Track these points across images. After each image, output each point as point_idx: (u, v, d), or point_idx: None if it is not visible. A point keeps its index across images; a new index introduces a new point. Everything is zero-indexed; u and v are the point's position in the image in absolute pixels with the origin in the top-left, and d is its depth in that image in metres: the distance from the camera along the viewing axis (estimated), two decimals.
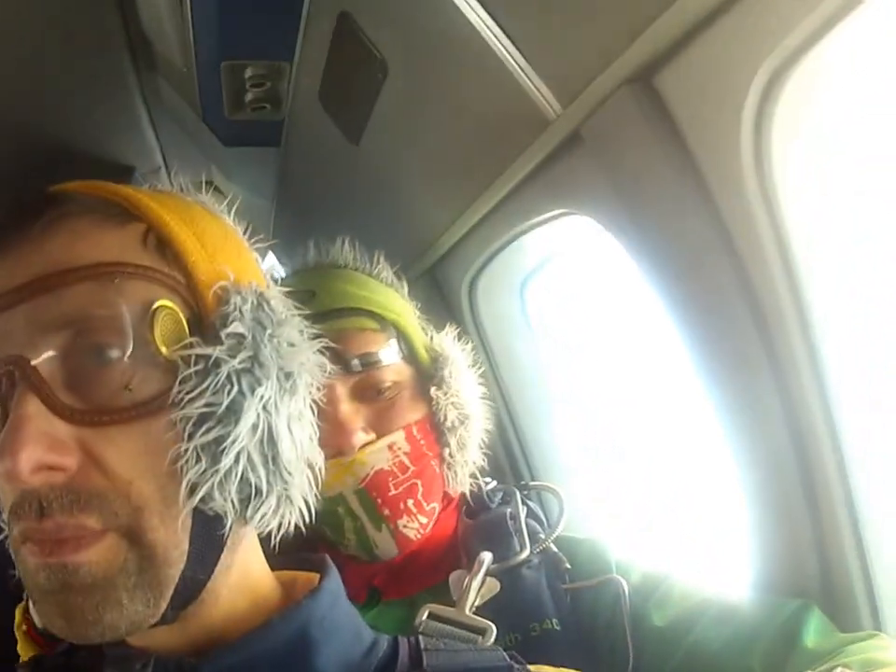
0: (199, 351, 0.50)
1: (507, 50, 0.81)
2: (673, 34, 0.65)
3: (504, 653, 0.60)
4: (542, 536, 0.91)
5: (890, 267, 0.70)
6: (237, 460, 0.50)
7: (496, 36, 0.81)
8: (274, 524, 0.55)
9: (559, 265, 1.25)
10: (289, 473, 0.54)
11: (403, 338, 0.92)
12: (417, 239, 1.25)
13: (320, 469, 0.59)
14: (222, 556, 0.54)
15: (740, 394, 0.78)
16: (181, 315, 0.51)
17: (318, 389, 0.60)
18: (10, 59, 1.02)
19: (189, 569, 0.51)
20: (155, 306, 0.50)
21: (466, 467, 0.93)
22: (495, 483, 1.02)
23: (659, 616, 0.80)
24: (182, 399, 0.49)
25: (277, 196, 1.64)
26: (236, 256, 0.58)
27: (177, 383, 0.49)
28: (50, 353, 0.48)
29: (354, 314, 0.90)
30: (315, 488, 0.58)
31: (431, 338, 0.96)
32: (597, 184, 0.86)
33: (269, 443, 0.52)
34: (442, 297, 1.30)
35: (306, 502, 0.57)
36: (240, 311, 0.53)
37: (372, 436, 0.87)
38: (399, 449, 0.87)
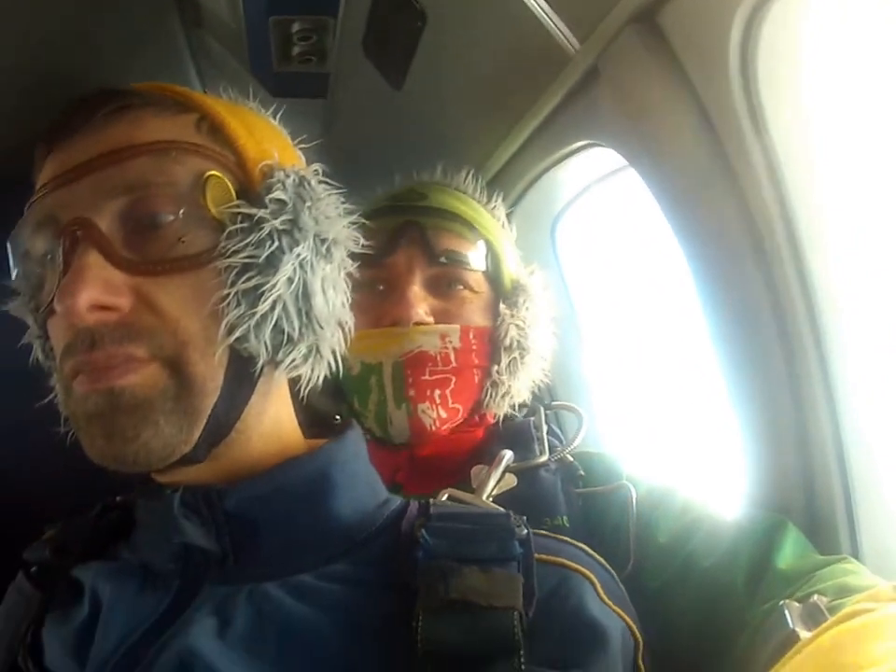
0: (244, 210, 0.57)
1: None
2: None
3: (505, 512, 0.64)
4: (560, 448, 0.95)
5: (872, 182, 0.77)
6: (273, 308, 0.57)
7: None
8: (304, 370, 0.61)
9: (587, 205, 1.32)
10: (320, 327, 0.61)
11: (492, 256, 0.99)
12: None
13: (350, 330, 0.65)
14: (253, 398, 0.60)
15: (737, 315, 0.83)
16: (229, 185, 0.58)
17: (353, 263, 0.66)
18: (58, 17, 1.09)
19: (221, 404, 0.57)
20: (206, 175, 0.57)
21: (509, 394, 0.97)
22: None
23: (662, 527, 0.83)
24: (227, 251, 0.56)
25: (324, 145, 1.74)
26: (281, 146, 0.65)
27: (224, 237, 0.57)
28: (112, 215, 0.56)
29: (453, 218, 0.98)
30: (343, 347, 0.65)
31: (520, 273, 1.02)
32: (614, 115, 0.93)
33: (303, 297, 0.59)
34: None
35: (335, 357, 0.64)
36: (282, 183, 0.60)
37: (431, 320, 0.93)
38: (450, 342, 0.92)
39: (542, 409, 1.02)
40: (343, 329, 0.65)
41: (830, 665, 0.47)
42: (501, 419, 1.00)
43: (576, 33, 0.89)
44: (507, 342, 0.96)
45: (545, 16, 0.90)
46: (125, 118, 0.58)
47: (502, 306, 0.97)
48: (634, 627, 0.59)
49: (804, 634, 0.56)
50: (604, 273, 1.42)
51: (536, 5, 0.90)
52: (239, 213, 0.58)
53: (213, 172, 0.58)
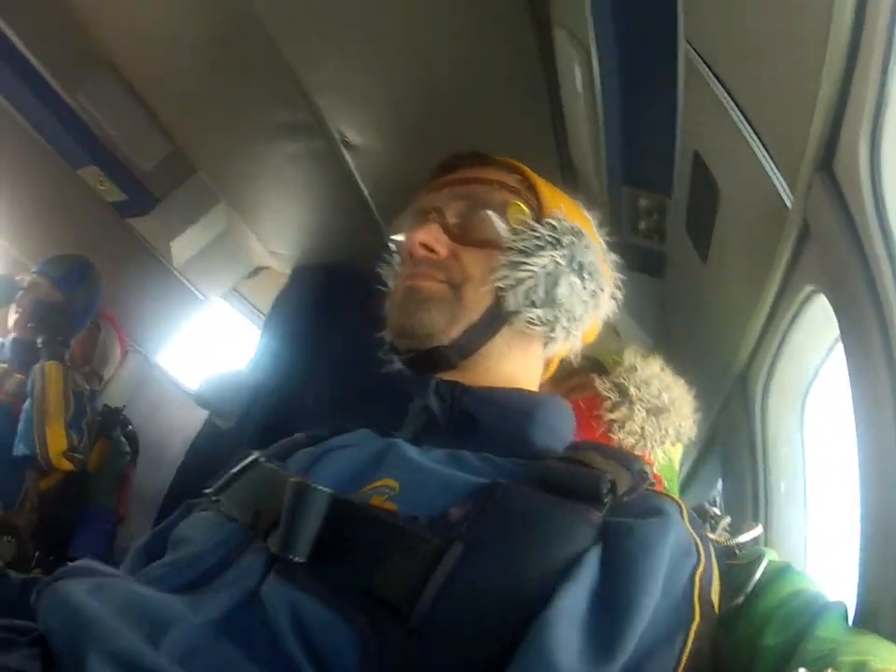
0: (531, 224, 0.95)
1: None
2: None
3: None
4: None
5: None
6: (525, 280, 0.91)
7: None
8: (539, 331, 0.93)
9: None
10: (557, 309, 0.93)
11: None
12: (726, 348, 1.41)
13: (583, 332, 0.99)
14: (498, 337, 0.93)
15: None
16: (526, 212, 0.96)
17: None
18: (460, 92, 1.51)
19: (475, 327, 0.92)
20: (512, 202, 0.97)
21: None
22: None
23: (768, 591, 0.84)
24: (511, 243, 0.93)
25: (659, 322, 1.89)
26: (576, 215, 1.01)
27: (512, 235, 0.94)
28: (453, 210, 0.97)
29: None
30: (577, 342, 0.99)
31: None
32: (825, 262, 1.02)
33: (550, 284, 0.92)
34: (746, 406, 1.42)
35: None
36: (560, 221, 0.96)
37: None
38: None
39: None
40: (578, 324, 0.97)
41: None
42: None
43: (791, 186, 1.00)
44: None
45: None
46: (481, 165, 1.02)
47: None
48: (701, 548, 0.75)
49: None
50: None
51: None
52: (525, 225, 0.95)
53: (517, 202, 0.97)
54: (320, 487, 0.79)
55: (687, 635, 0.69)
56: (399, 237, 1.05)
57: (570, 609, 0.67)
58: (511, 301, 0.91)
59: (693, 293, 1.58)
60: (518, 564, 0.72)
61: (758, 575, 0.83)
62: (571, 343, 1.00)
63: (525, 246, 0.93)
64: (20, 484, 2.41)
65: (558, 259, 0.93)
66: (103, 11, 2.27)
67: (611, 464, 0.81)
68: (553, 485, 0.79)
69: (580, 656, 0.64)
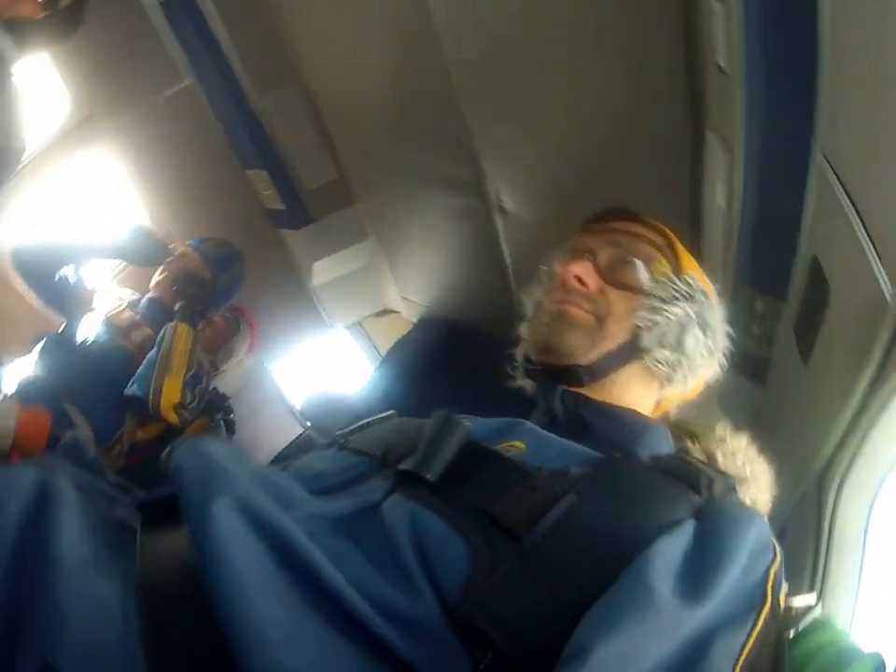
0: (671, 277, 1.11)
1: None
2: None
3: None
4: None
5: None
6: (659, 324, 1.07)
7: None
8: (662, 372, 1.10)
9: None
10: (683, 355, 1.10)
11: None
12: (809, 447, 1.41)
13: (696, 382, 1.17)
14: (627, 368, 1.08)
15: None
16: (667, 267, 1.12)
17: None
18: (604, 157, 1.67)
19: (610, 356, 1.06)
20: (656, 256, 1.13)
21: None
22: None
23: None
24: (651, 291, 1.09)
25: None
26: (704, 280, 1.18)
27: (653, 284, 1.09)
28: (605, 253, 1.12)
29: None
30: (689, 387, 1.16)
31: None
32: None
33: (678, 332, 1.09)
34: (818, 508, 1.41)
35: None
36: (694, 280, 1.13)
37: None
38: None
39: None
40: (694, 375, 1.14)
41: None
42: None
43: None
44: None
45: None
46: (631, 220, 1.19)
47: None
48: (777, 550, 0.80)
49: None
50: None
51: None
52: (666, 278, 1.11)
53: (660, 257, 1.13)
54: (463, 420, 0.90)
55: (757, 618, 0.73)
56: (551, 267, 1.19)
57: (667, 554, 0.73)
58: (646, 340, 1.07)
59: (790, 396, 1.59)
60: (625, 516, 0.79)
61: (808, 618, 0.87)
62: (684, 390, 1.16)
63: (664, 295, 1.09)
64: (118, 427, 2.55)
65: (690, 312, 1.10)
66: (309, 32, 2.50)
67: (710, 469, 0.90)
68: (660, 469, 0.89)
69: (672, 591, 0.69)
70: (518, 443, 0.93)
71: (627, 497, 0.83)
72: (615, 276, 1.11)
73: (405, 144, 2.58)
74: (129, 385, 2.58)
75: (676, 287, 1.11)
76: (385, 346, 3.57)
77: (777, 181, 1.49)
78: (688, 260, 1.18)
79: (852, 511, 1.34)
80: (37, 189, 3.08)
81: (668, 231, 1.20)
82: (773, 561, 0.78)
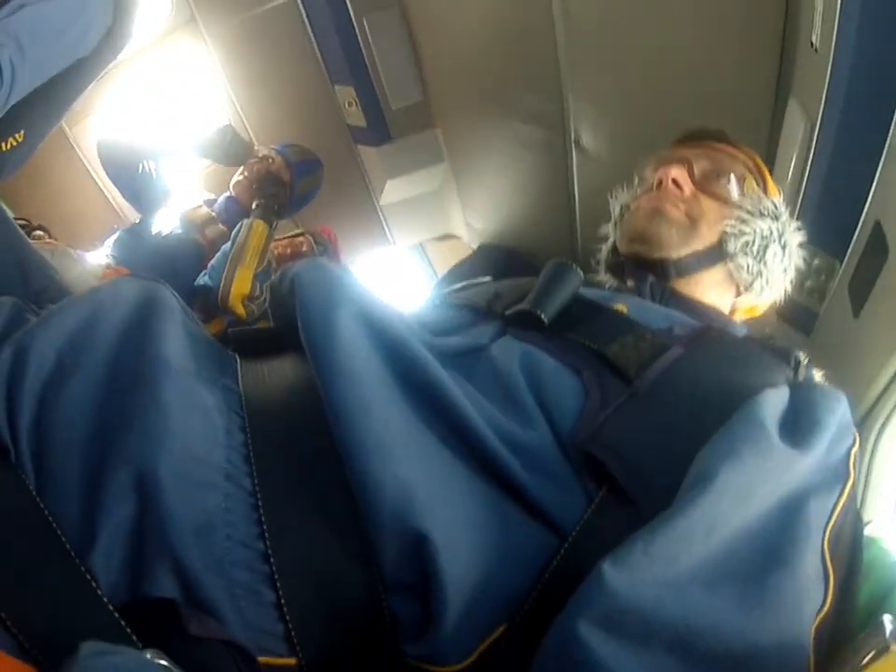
0: (760, 196, 1.22)
1: None
2: None
3: None
4: None
5: None
6: (745, 233, 1.17)
7: None
8: (744, 278, 1.19)
9: None
10: (763, 264, 1.19)
11: None
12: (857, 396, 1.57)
13: (781, 291, 1.29)
14: (709, 272, 1.17)
15: None
16: (756, 187, 1.23)
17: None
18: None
19: (697, 255, 1.16)
20: (746, 175, 1.24)
21: None
22: None
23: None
24: (742, 206, 1.18)
25: None
26: (784, 208, 1.25)
27: (742, 197, 1.20)
28: (699, 164, 1.22)
29: None
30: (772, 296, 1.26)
31: None
32: None
33: (762, 242, 1.18)
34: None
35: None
36: (781, 205, 1.23)
37: None
38: None
39: None
40: (770, 288, 1.23)
41: None
42: None
43: None
44: None
45: None
46: (725, 142, 1.30)
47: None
48: (857, 434, 0.82)
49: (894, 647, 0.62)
50: None
51: None
52: (755, 195, 1.21)
53: (749, 177, 1.24)
54: (577, 269, 0.95)
55: (843, 490, 0.74)
56: (646, 172, 1.30)
57: (774, 405, 0.76)
58: (732, 245, 1.16)
59: (836, 348, 1.74)
60: (730, 371, 0.83)
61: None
62: (757, 303, 1.26)
63: (751, 209, 1.18)
64: None
65: (773, 229, 1.19)
66: None
67: (798, 352, 0.95)
68: (756, 342, 0.97)
69: (778, 431, 0.73)
70: (622, 307, 0.96)
71: (730, 356, 0.87)
72: (708, 186, 1.20)
73: (493, 75, 2.65)
74: (200, 276, 2.69)
75: (763, 204, 1.19)
76: (444, 269, 3.67)
77: (850, 152, 1.62)
78: (775, 187, 1.29)
79: (891, 454, 1.50)
80: (131, 84, 3.19)
81: (759, 159, 1.30)
82: (854, 443, 0.80)
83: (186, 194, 3.17)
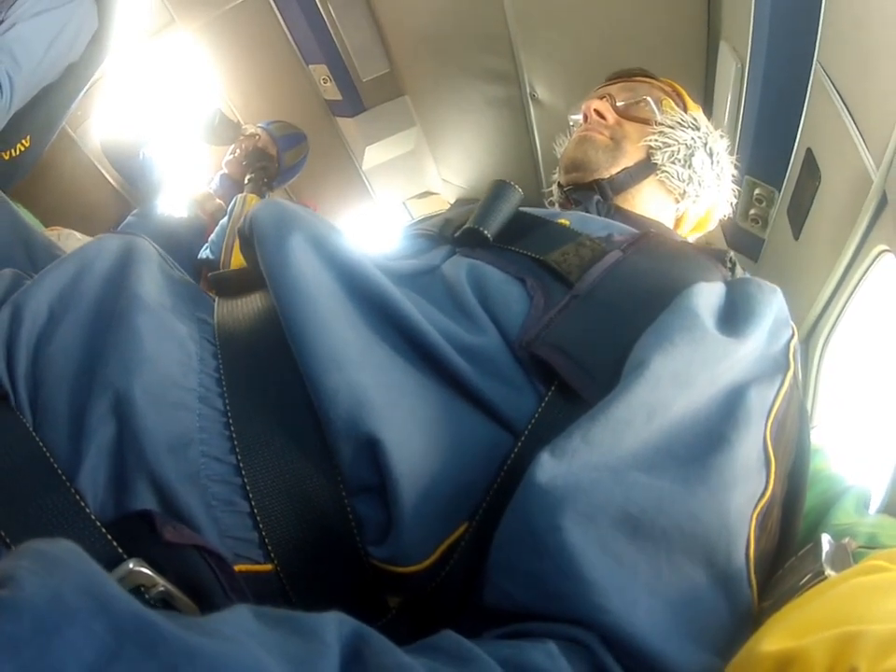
0: (679, 112, 1.20)
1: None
2: None
3: None
4: None
5: None
6: (670, 145, 1.14)
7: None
8: (675, 185, 1.15)
9: None
10: (693, 171, 1.16)
11: None
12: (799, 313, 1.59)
13: (715, 203, 1.25)
14: (644, 184, 1.14)
15: None
16: (675, 108, 1.20)
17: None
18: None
19: (626, 172, 1.13)
20: (664, 98, 1.21)
21: None
22: None
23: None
24: (662, 122, 1.17)
25: None
26: (706, 120, 1.24)
27: (661, 116, 1.18)
28: (619, 96, 1.22)
29: None
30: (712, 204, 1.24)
31: None
32: None
33: (687, 151, 1.15)
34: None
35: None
36: (701, 118, 1.22)
37: None
38: None
39: None
40: (705, 194, 1.19)
41: (842, 613, 0.49)
42: None
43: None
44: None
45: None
46: (644, 75, 1.28)
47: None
48: (795, 328, 0.79)
49: (829, 573, 0.60)
50: None
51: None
52: (674, 112, 1.19)
53: (667, 99, 1.21)
54: (516, 187, 0.93)
55: (783, 380, 0.71)
56: (576, 115, 1.28)
57: (708, 296, 0.74)
58: (659, 157, 1.14)
59: (781, 270, 1.75)
60: (667, 269, 0.81)
61: None
62: (696, 208, 1.21)
63: (672, 123, 1.17)
64: None
65: (696, 138, 1.17)
66: None
67: (732, 253, 0.95)
68: (692, 246, 0.98)
69: (715, 323, 0.71)
70: (563, 220, 0.93)
71: (668, 257, 0.85)
72: (628, 111, 1.20)
73: (452, 39, 2.64)
74: (202, 250, 2.63)
75: (683, 118, 1.18)
76: None
77: (779, 86, 1.60)
78: (694, 105, 1.27)
79: (833, 366, 1.50)
80: (125, 86, 3.12)
81: (677, 86, 1.29)
82: (792, 336, 0.77)
83: (185, 175, 3.11)
